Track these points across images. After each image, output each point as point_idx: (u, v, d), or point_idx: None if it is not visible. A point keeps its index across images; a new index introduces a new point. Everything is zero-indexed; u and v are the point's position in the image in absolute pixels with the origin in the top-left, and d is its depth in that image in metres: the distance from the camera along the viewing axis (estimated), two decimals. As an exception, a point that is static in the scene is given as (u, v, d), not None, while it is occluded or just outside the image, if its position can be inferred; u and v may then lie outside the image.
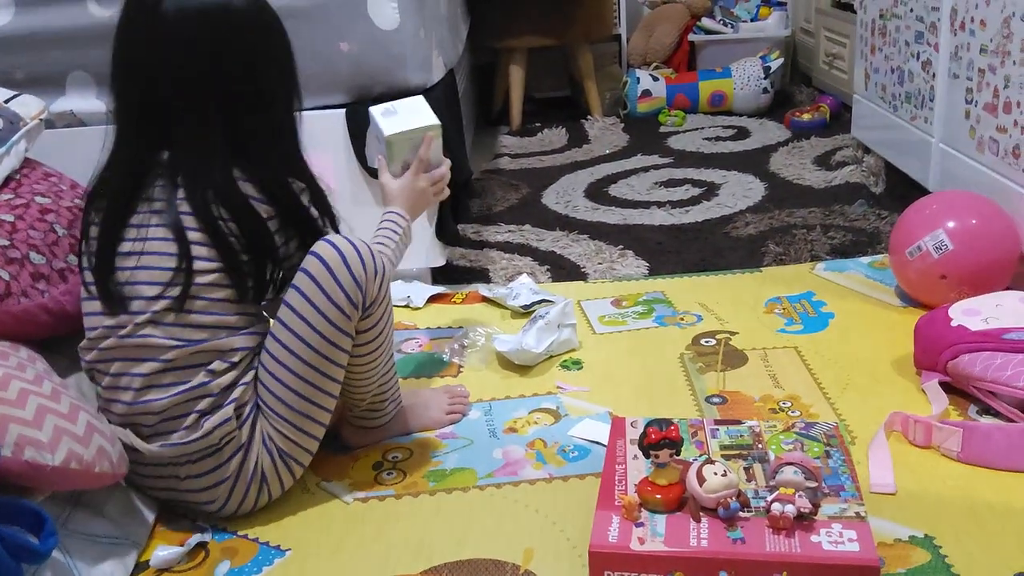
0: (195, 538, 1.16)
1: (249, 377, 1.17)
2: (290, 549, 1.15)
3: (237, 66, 1.13)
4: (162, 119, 1.13)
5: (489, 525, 1.16)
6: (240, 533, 1.18)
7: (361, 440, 1.35)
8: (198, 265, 1.12)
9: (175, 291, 1.12)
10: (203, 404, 1.13)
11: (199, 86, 1.12)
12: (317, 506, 1.22)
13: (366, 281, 1.16)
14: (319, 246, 1.16)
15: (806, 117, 2.99)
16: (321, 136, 1.76)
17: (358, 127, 1.78)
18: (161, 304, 1.12)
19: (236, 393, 1.15)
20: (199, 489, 1.16)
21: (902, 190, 2.16)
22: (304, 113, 1.22)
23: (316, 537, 1.17)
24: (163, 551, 1.14)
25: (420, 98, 1.47)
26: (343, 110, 1.80)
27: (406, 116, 1.42)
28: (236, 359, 1.15)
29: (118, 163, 1.16)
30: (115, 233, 1.14)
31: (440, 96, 1.89)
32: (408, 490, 1.24)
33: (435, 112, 1.44)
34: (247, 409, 1.16)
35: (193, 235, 1.12)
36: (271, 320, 1.18)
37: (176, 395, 1.12)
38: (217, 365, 1.13)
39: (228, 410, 1.14)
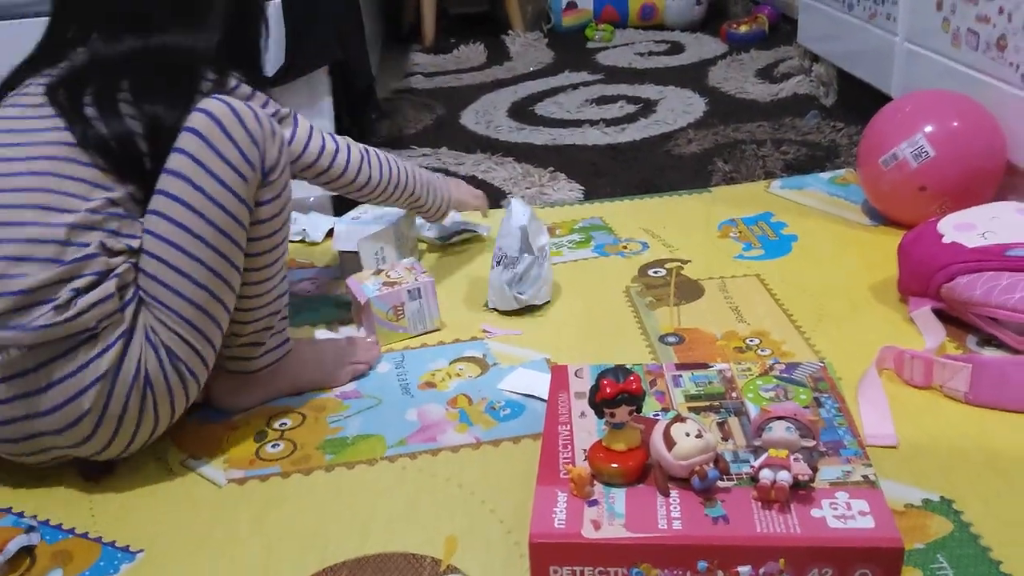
0: (16, 542, 0.89)
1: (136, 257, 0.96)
2: (142, 550, 0.88)
3: None
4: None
5: (401, 508, 0.92)
6: (79, 531, 0.91)
7: (238, 401, 1.08)
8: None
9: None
10: (81, 282, 0.90)
11: None
12: (180, 491, 0.96)
13: (264, 138, 1.00)
14: (206, 102, 0.99)
15: (743, 29, 2.77)
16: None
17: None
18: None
19: (120, 268, 0.92)
20: (63, 401, 0.89)
21: (857, 100, 1.95)
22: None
23: (177, 532, 0.90)
24: (-30, 563, 0.87)
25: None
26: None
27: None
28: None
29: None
30: None
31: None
32: (298, 466, 0.99)
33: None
34: (130, 291, 0.93)
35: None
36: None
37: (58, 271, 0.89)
38: (112, 243, 0.93)
39: (109, 285, 0.91)
